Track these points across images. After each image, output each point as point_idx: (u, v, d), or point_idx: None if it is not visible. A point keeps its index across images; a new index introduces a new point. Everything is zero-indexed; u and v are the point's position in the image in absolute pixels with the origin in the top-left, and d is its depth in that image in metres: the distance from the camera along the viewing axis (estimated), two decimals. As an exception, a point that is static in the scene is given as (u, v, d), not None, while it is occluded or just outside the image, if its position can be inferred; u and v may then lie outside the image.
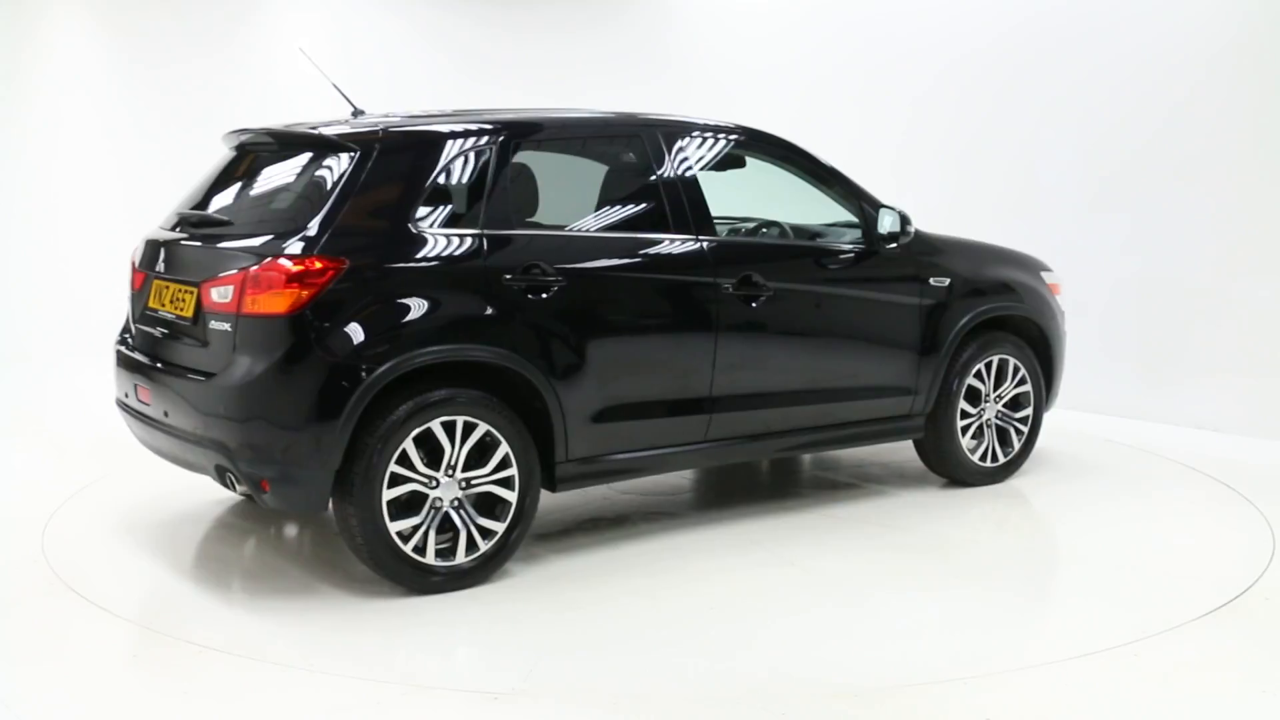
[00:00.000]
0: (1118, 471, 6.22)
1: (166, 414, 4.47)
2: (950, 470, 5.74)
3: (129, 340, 4.94)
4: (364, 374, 4.08)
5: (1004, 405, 5.80)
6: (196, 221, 4.64)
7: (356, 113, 5.00)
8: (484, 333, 4.33)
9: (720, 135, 5.28)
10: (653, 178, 4.91)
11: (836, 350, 5.31)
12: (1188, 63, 7.32)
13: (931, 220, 6.05)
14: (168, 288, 4.59)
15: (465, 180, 4.47)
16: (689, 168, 4.99)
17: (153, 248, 4.81)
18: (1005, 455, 5.83)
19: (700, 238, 4.89)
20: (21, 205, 9.84)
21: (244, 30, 10.22)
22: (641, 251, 4.77)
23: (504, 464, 4.38)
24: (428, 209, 4.34)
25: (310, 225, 4.17)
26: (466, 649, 4.04)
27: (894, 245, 5.39)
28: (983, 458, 5.76)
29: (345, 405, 4.06)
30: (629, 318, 4.72)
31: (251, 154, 4.78)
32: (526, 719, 3.42)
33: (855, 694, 3.55)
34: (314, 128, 4.56)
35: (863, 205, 5.40)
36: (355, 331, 4.11)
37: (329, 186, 4.27)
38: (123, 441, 5.32)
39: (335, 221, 4.17)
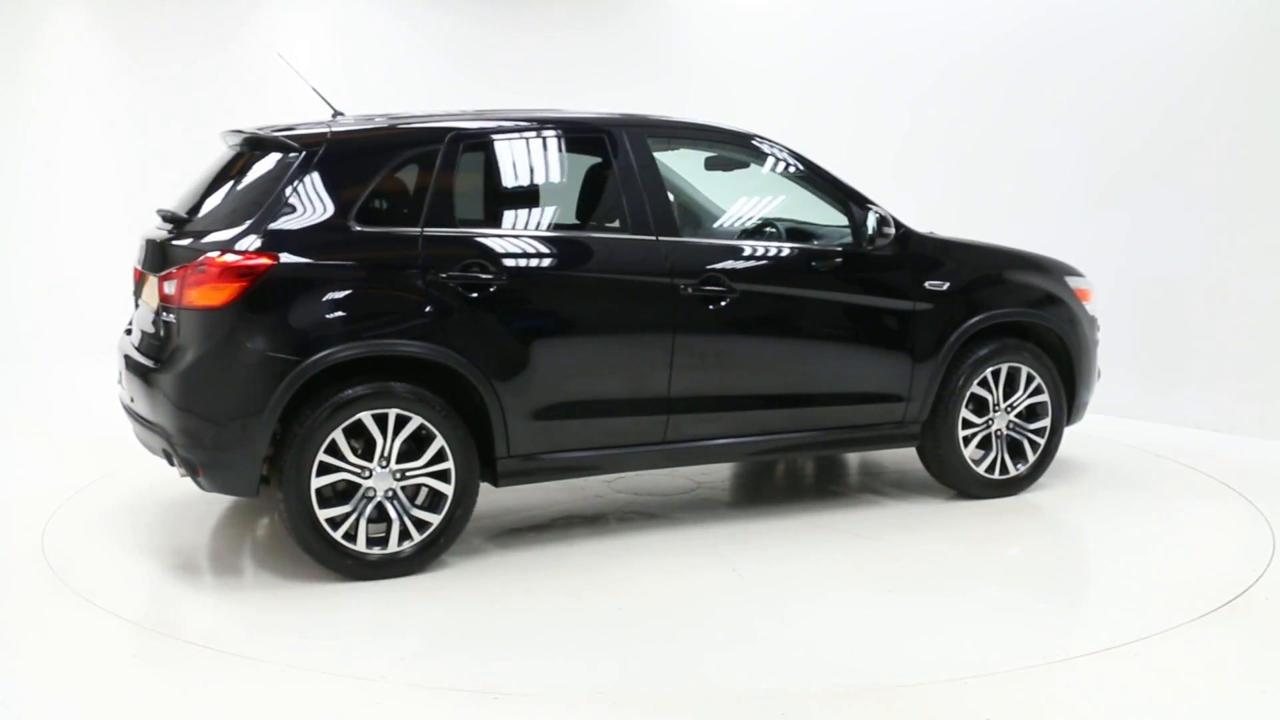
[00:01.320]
0: (1118, 472, 6.22)
1: (133, 400, 4.74)
2: (953, 481, 5.54)
3: (129, 331, 5.10)
4: (289, 366, 4.25)
5: (1017, 416, 5.55)
6: (169, 218, 4.75)
7: (336, 114, 5.10)
8: (416, 329, 4.43)
9: (694, 135, 5.27)
10: (611, 178, 4.92)
11: (813, 354, 5.15)
12: (1187, 63, 7.32)
13: (932, 221, 6.04)
14: (147, 281, 4.79)
15: (408, 181, 4.60)
16: (653, 168, 4.94)
17: (142, 243, 4.96)
18: (1017, 468, 5.58)
19: (660, 238, 4.85)
20: (22, 206, 9.85)
21: (244, 31, 10.22)
22: (588, 251, 4.80)
23: (441, 457, 4.48)
24: (368, 208, 4.49)
25: (248, 223, 4.36)
26: (454, 646, 4.05)
27: (872, 247, 5.20)
28: (990, 469, 5.53)
29: (270, 396, 4.25)
30: (573, 317, 4.72)
31: (234, 153, 4.86)
32: (526, 719, 3.43)
33: (855, 693, 3.54)
34: (282, 130, 4.68)
35: (851, 206, 5.24)
36: (283, 325, 4.30)
37: (272, 186, 4.45)
38: (123, 441, 5.32)
39: (273, 219, 4.36)
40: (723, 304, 4.89)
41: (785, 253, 5.19)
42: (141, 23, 10.05)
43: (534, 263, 4.66)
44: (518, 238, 4.71)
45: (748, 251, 5.12)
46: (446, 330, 4.47)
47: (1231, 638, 4.01)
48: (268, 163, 4.58)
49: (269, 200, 4.40)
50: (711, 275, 4.89)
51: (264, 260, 4.28)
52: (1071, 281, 5.76)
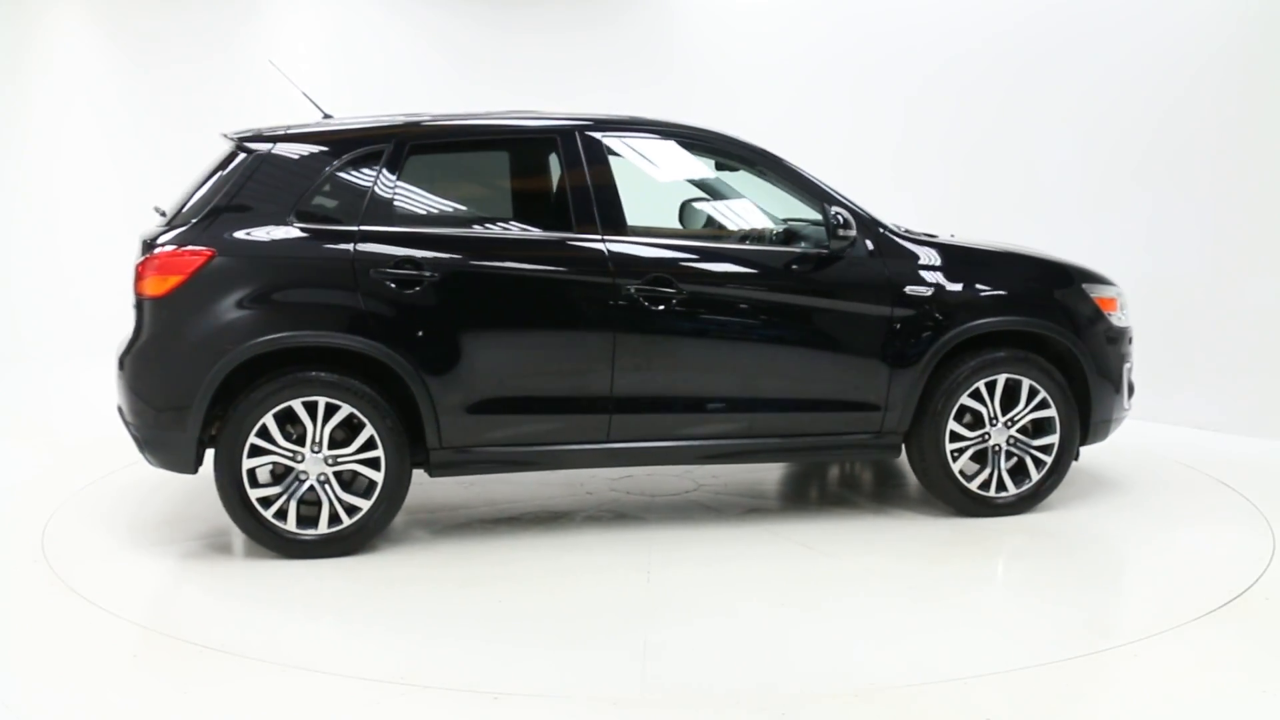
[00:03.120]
0: (1118, 471, 6.21)
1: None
2: (943, 497, 5.31)
3: None
4: (219, 354, 4.56)
5: (1020, 431, 5.25)
6: (160, 214, 4.99)
7: (326, 117, 5.33)
8: (344, 321, 4.65)
9: (654, 134, 5.22)
10: (558, 179, 4.98)
11: (769, 358, 5.02)
12: (1187, 62, 7.32)
13: (931, 221, 6.05)
14: None
15: (350, 181, 4.80)
16: (605, 168, 4.96)
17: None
18: (1019, 487, 5.28)
19: (606, 238, 4.86)
20: (22, 207, 9.85)
21: (244, 32, 10.22)
22: (525, 250, 4.87)
23: (371, 445, 4.70)
24: (309, 207, 4.74)
25: (196, 218, 4.70)
26: (452, 647, 4.05)
27: (827, 249, 5.02)
28: (985, 486, 5.26)
29: (201, 381, 4.56)
30: (505, 314, 4.81)
31: (223, 153, 5.02)
32: (526, 719, 3.43)
33: (855, 693, 3.54)
34: (268, 131, 4.94)
35: (824, 205, 5.06)
36: (216, 315, 4.60)
37: (223, 185, 4.75)
38: (123, 441, 5.33)
39: (218, 215, 4.68)
40: (669, 305, 4.87)
41: (740, 254, 5.10)
42: (140, 24, 10.06)
43: (465, 261, 4.78)
44: (451, 236, 4.83)
45: (698, 252, 5.04)
46: (374, 324, 4.65)
47: (1231, 638, 4.00)
48: (230, 162, 4.83)
49: (218, 197, 4.72)
50: (657, 276, 4.88)
51: (203, 253, 4.59)
52: (1092, 289, 5.39)
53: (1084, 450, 5.48)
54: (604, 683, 3.63)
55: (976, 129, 8.42)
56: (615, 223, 4.91)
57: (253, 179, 4.74)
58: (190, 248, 4.62)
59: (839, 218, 4.98)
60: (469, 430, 4.80)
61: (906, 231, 5.38)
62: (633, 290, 4.83)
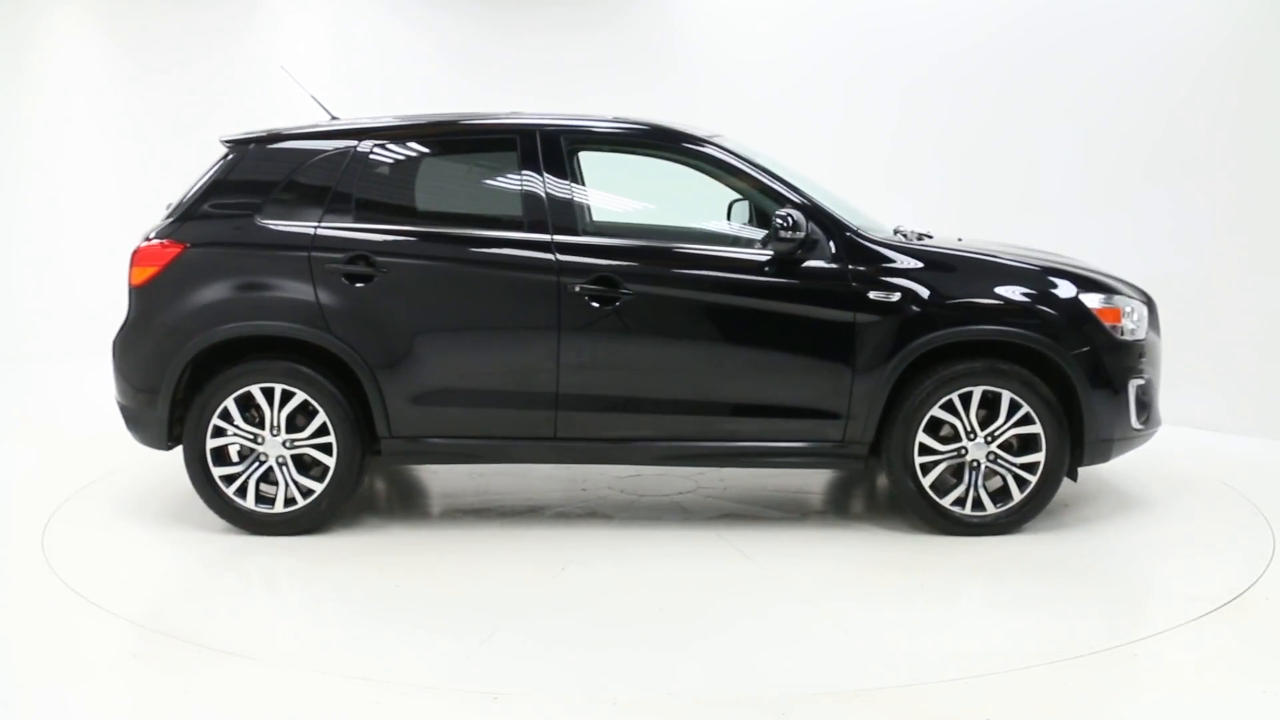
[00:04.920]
0: (1117, 471, 6.20)
1: None
2: (915, 513, 5.07)
3: None
4: (185, 340, 4.93)
5: (1002, 448, 4.97)
6: (167, 208, 5.28)
7: (333, 119, 5.53)
8: (300, 313, 4.93)
9: (612, 134, 5.26)
10: (514, 179, 5.08)
11: (718, 361, 4.94)
12: (1187, 62, 7.32)
13: (930, 221, 6.04)
14: None
15: (312, 181, 5.08)
16: (561, 169, 5.05)
17: None
18: (999, 506, 5.01)
19: (555, 238, 4.93)
20: (23, 207, 9.85)
21: (244, 33, 10.22)
22: (473, 247, 4.97)
23: (325, 431, 4.97)
24: (276, 204, 5.04)
25: (176, 214, 5.09)
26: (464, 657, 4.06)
27: (774, 251, 4.91)
28: (960, 504, 5.01)
29: (169, 365, 4.94)
30: (452, 309, 4.96)
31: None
32: (526, 719, 3.43)
33: (856, 693, 3.55)
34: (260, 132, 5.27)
35: (778, 206, 4.94)
36: (184, 304, 4.97)
37: (204, 182, 5.13)
38: (123, 441, 5.35)
39: (195, 212, 5.06)
40: (616, 304, 4.89)
41: (692, 256, 5.04)
42: (140, 25, 10.06)
43: (412, 257, 4.96)
44: (401, 233, 5.01)
45: (648, 253, 5.02)
46: (328, 316, 4.91)
47: (1231, 638, 4.01)
48: (218, 162, 5.17)
49: (198, 195, 5.10)
50: (602, 276, 4.90)
51: (175, 246, 4.99)
52: (1089, 299, 5.04)
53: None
54: (604, 683, 3.64)
55: (981, 126, 8.38)
56: (567, 222, 4.98)
57: (230, 178, 5.10)
58: (164, 241, 5.02)
59: (787, 219, 4.83)
60: (417, 421, 4.98)
61: (901, 232, 5.36)
62: (577, 289, 4.87)
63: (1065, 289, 5.06)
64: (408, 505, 5.73)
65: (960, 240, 5.51)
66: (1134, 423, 5.08)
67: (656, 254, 5.03)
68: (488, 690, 3.57)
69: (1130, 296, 5.20)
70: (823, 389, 4.93)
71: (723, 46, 9.75)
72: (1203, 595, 4.34)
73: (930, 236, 5.46)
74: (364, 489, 5.80)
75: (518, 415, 4.96)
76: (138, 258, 5.04)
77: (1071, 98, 7.87)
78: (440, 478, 6.04)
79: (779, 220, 4.85)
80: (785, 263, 4.93)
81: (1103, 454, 5.07)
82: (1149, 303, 5.32)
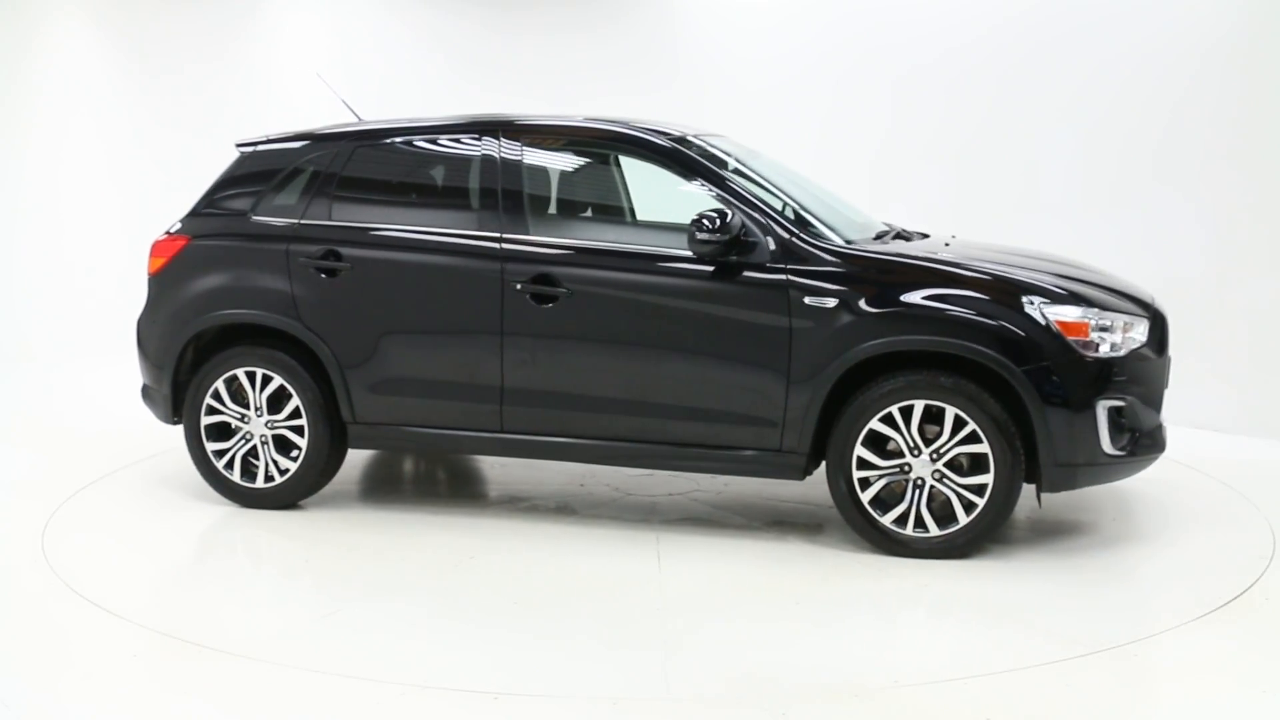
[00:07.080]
0: (1118, 472, 6.21)
1: None
2: (856, 530, 4.85)
3: None
4: (183, 324, 5.42)
5: (948, 465, 4.67)
6: None
7: (360, 122, 5.80)
8: (275, 303, 5.31)
9: (572, 134, 5.41)
10: (477, 178, 5.28)
11: (652, 363, 4.89)
12: (1187, 60, 7.31)
13: (928, 221, 6.03)
14: None
15: (302, 180, 5.45)
16: (516, 170, 5.19)
17: None
18: (943, 529, 4.70)
19: (505, 235, 5.06)
20: (24, 207, 9.84)
21: (244, 34, 10.21)
22: (426, 245, 5.19)
23: (298, 414, 5.30)
24: (268, 202, 5.45)
25: (190, 210, 5.59)
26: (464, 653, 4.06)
27: (696, 253, 4.78)
28: (900, 522, 4.74)
29: (171, 345, 5.44)
30: (406, 303, 5.18)
31: None
32: (526, 719, 3.43)
33: (855, 693, 3.55)
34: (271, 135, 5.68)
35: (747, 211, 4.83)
36: (185, 292, 5.44)
37: (216, 181, 5.61)
38: (123, 441, 5.37)
39: (202, 208, 5.56)
40: (556, 302, 4.95)
41: (632, 255, 4.98)
42: (140, 26, 10.05)
43: (373, 253, 5.23)
44: (367, 230, 5.27)
45: (590, 252, 5.02)
46: (300, 306, 5.26)
47: (1231, 638, 4.01)
48: (228, 162, 5.62)
49: (207, 192, 5.58)
50: (542, 274, 4.97)
51: (181, 239, 5.50)
52: (1052, 311, 4.64)
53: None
54: (604, 683, 3.64)
55: (983, 123, 8.36)
56: (517, 220, 5.09)
57: (235, 177, 5.56)
58: (172, 234, 5.54)
59: (710, 220, 4.69)
60: (377, 408, 5.26)
61: (891, 232, 5.33)
62: (518, 287, 4.98)
63: (1019, 299, 4.65)
64: (421, 493, 5.73)
65: (952, 238, 5.49)
66: (1107, 448, 4.65)
67: (592, 253, 5.04)
68: (488, 690, 3.57)
69: (1118, 310, 4.79)
70: (758, 395, 4.81)
71: (725, 45, 9.75)
72: (1203, 595, 4.34)
73: (927, 236, 5.44)
74: (404, 482, 5.83)
75: (466, 408, 5.15)
76: (154, 249, 5.55)
77: (1074, 94, 7.85)
78: (488, 466, 6.04)
79: (697, 221, 4.70)
80: (720, 265, 4.81)
81: (1066, 480, 4.67)
82: (1153, 318, 4.96)
